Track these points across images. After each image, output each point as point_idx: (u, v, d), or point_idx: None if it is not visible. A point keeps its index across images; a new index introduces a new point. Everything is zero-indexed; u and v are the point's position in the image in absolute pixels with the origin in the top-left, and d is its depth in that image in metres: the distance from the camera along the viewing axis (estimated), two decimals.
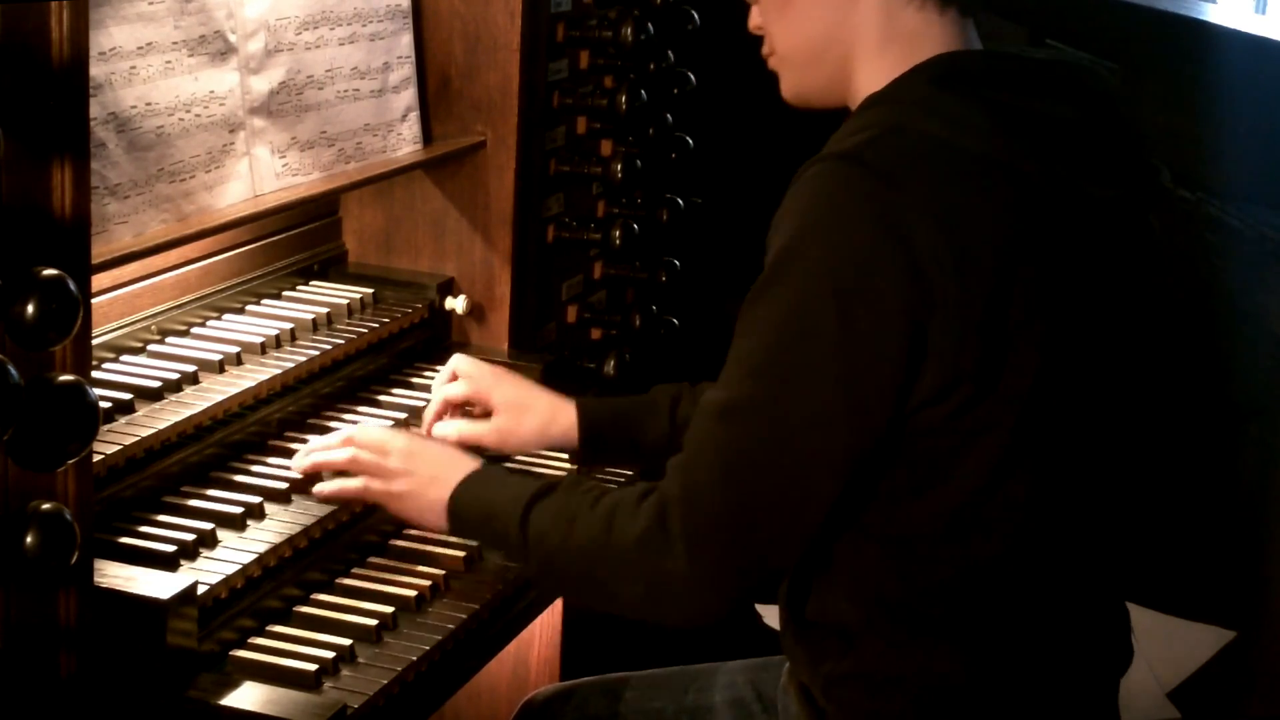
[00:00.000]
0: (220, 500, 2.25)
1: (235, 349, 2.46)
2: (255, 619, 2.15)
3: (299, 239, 2.82)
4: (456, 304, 2.88)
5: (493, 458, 2.33)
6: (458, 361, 2.47)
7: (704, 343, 2.85)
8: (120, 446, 2.16)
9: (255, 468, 2.37)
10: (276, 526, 2.23)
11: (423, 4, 2.85)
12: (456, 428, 2.42)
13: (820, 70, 2.03)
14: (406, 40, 2.81)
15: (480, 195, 2.87)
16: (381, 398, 2.68)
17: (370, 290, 2.79)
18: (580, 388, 2.95)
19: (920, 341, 1.83)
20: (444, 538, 2.37)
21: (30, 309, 1.53)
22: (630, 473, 2.64)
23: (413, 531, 2.42)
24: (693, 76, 3.20)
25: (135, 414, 2.24)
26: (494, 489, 2.14)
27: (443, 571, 2.33)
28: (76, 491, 1.70)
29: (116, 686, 1.88)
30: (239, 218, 2.49)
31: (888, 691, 1.99)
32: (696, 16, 3.18)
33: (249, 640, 2.12)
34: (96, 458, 2.02)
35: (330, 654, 2.08)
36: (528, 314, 2.94)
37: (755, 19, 2.09)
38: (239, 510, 2.22)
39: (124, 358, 2.38)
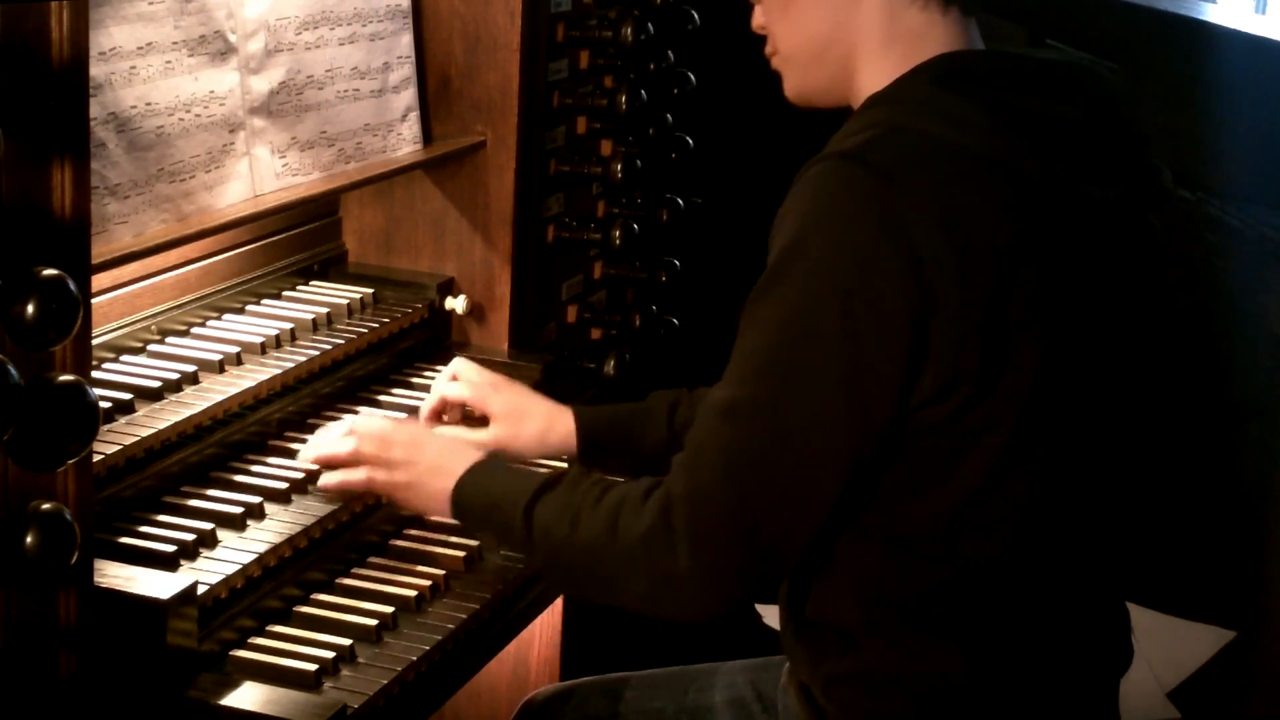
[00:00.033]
0: (220, 500, 2.25)
1: (235, 349, 2.46)
2: (255, 619, 2.15)
3: (299, 239, 2.81)
4: (456, 304, 2.88)
5: None
6: (459, 365, 2.48)
7: (704, 343, 2.85)
8: (120, 446, 2.16)
9: (255, 468, 2.37)
10: (276, 526, 2.22)
11: (423, 4, 2.84)
12: (455, 434, 2.43)
13: (823, 70, 2.03)
14: (406, 40, 2.81)
15: (480, 195, 2.87)
16: (381, 398, 2.68)
17: (370, 290, 2.79)
18: (580, 388, 2.95)
19: (921, 341, 1.83)
20: (444, 537, 2.38)
21: (30, 309, 1.53)
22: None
23: (413, 531, 2.42)
24: (693, 76, 3.20)
25: (135, 414, 2.24)
26: (498, 480, 2.14)
27: (443, 571, 2.33)
28: (76, 491, 1.70)
29: (116, 686, 1.88)
30: (239, 218, 2.49)
31: (888, 691, 1.99)
32: (696, 16, 3.17)
33: (249, 640, 2.11)
34: (96, 458, 2.02)
35: (330, 654, 2.08)
36: (528, 314, 2.94)
37: (758, 19, 2.09)
38: (239, 510, 2.21)
39: (124, 358, 2.38)
